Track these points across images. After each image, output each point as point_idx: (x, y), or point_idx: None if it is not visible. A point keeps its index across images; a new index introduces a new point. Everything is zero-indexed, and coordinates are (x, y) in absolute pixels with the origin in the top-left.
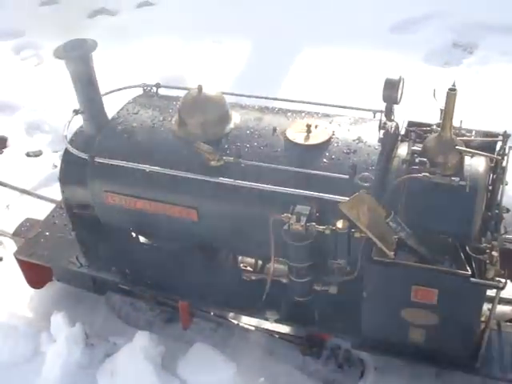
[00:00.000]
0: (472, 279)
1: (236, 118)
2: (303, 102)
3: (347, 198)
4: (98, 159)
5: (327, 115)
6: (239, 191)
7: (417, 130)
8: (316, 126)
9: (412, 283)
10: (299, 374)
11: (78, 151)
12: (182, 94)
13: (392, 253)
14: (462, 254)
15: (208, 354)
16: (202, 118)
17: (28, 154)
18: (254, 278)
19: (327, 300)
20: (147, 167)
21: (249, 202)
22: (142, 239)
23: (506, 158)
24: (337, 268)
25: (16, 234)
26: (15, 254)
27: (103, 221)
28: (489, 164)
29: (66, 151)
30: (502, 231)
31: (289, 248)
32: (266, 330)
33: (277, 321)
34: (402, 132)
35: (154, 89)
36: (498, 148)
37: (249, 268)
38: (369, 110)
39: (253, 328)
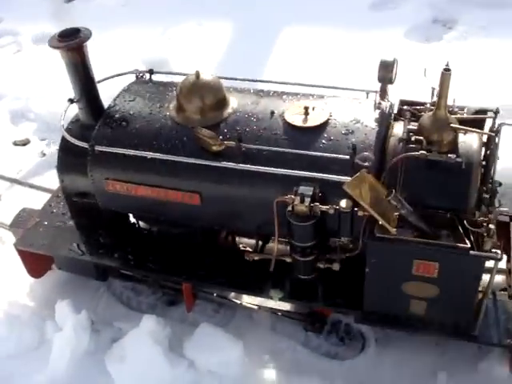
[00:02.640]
0: (471, 252)
1: (233, 103)
2: (297, 84)
3: (349, 178)
4: (98, 147)
5: (322, 97)
6: (242, 174)
7: (411, 109)
8: (313, 108)
9: (413, 258)
10: (302, 349)
11: (77, 140)
12: (175, 79)
13: (394, 229)
14: (460, 228)
15: (214, 333)
16: (201, 103)
17: (15, 143)
18: (256, 258)
19: (329, 277)
20: (149, 154)
21: (251, 185)
22: (142, 225)
23: (498, 134)
24: (339, 245)
25: (14, 225)
26: (15, 245)
27: (104, 208)
28: (481, 140)
29: (64, 140)
30: (497, 205)
31: (293, 228)
32: (269, 308)
33: (281, 299)
34: (395, 111)
35: (147, 75)
36: (489, 124)
37: (248, 249)
38: (362, 91)
39: (255, 307)
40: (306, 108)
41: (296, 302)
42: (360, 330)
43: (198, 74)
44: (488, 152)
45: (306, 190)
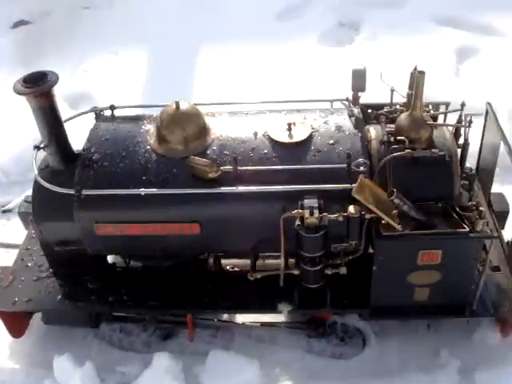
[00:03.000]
0: (471, 234)
1: (213, 128)
2: (268, 102)
3: (348, 186)
4: (85, 192)
5: (298, 111)
6: (240, 197)
7: (384, 113)
8: (294, 124)
9: (419, 249)
10: (309, 356)
11: (58, 187)
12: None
13: (399, 226)
14: (454, 215)
15: (226, 358)
16: (184, 133)
17: None
18: (259, 276)
19: (333, 281)
20: (143, 191)
21: (251, 206)
22: (118, 263)
23: (470, 125)
24: (341, 250)
25: None
26: None
27: (93, 253)
28: (451, 132)
29: (39, 189)
30: (476, 189)
31: (303, 240)
32: (268, 322)
33: (290, 311)
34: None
35: (104, 112)
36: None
37: (236, 269)
38: (336, 100)
39: (257, 324)
40: (289, 124)
41: (306, 311)
42: (356, 327)
43: (177, 105)
44: (460, 142)
45: (312, 202)
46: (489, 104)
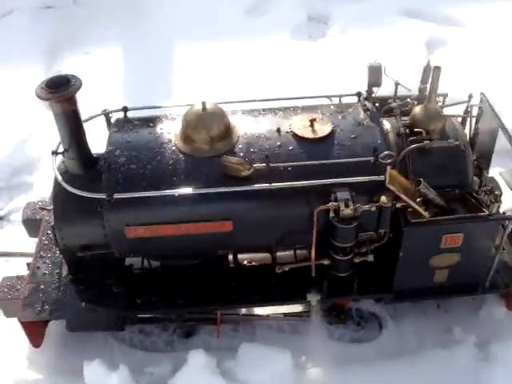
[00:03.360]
0: (490, 217)
1: (236, 126)
2: (285, 99)
3: (376, 178)
4: (116, 195)
5: (315, 107)
6: (271, 193)
7: (397, 106)
8: (315, 120)
9: (443, 233)
10: (330, 342)
11: (87, 192)
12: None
13: (427, 213)
14: (473, 200)
15: (257, 350)
16: (211, 133)
17: None
18: (286, 269)
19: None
20: (176, 191)
21: (282, 201)
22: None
23: (481, 115)
24: (367, 239)
25: (1, 299)
26: (21, 318)
27: (121, 256)
28: (459, 123)
29: (60, 194)
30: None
31: (338, 231)
32: (292, 313)
33: (319, 301)
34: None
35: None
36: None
37: (253, 263)
38: (346, 96)
39: (276, 315)
40: (312, 120)
41: (335, 299)
42: (371, 312)
43: (204, 105)
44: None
45: (345, 194)
46: (483, 94)
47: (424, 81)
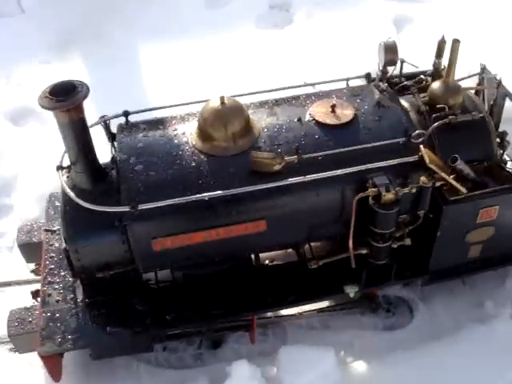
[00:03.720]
0: None
1: (255, 119)
2: (289, 88)
3: (408, 159)
4: (141, 206)
5: (328, 93)
6: (305, 186)
7: (411, 83)
8: (335, 105)
9: (480, 208)
10: (363, 333)
11: (104, 206)
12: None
13: (464, 189)
14: (504, 171)
15: (299, 351)
16: (232, 129)
17: None
18: (321, 263)
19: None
20: (206, 195)
21: (317, 193)
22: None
23: (499, 86)
24: (401, 222)
25: (15, 334)
26: (41, 352)
27: (144, 270)
28: (476, 96)
29: (72, 211)
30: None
31: (379, 217)
32: (323, 308)
33: (358, 291)
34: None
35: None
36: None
37: (275, 262)
38: (354, 78)
39: (309, 313)
40: (333, 106)
41: (373, 288)
42: (398, 296)
43: (222, 100)
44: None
45: (383, 179)
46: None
47: (438, 55)
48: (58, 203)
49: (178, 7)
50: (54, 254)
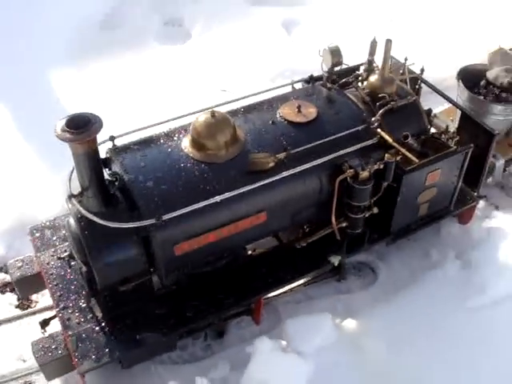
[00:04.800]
0: (458, 150)
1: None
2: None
3: (373, 141)
4: (166, 216)
5: (285, 96)
6: (294, 176)
7: (350, 79)
8: (300, 106)
9: (427, 172)
10: (343, 296)
11: (131, 222)
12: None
13: (416, 159)
14: (438, 141)
15: (301, 321)
16: (225, 138)
17: None
18: (305, 244)
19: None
20: (216, 198)
21: (304, 180)
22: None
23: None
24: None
25: (45, 361)
26: (80, 371)
27: (166, 276)
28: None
29: (93, 232)
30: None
31: (356, 192)
32: (305, 282)
33: (340, 260)
34: None
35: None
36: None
37: (257, 251)
38: (289, 84)
39: (297, 288)
40: (298, 107)
41: (353, 254)
42: (361, 262)
43: (213, 113)
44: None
45: (356, 161)
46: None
47: (371, 53)
48: (47, 233)
49: (73, 32)
50: (57, 282)
